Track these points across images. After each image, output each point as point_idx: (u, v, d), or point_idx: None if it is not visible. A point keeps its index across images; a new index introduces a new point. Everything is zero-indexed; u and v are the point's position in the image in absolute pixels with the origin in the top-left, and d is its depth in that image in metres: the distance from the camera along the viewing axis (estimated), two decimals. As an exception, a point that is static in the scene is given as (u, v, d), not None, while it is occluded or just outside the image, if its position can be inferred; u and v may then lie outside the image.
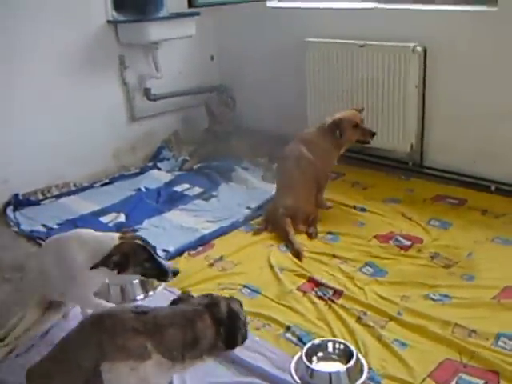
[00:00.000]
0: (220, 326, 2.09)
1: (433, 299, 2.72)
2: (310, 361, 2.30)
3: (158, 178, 4.47)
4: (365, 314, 2.64)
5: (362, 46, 4.11)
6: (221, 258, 3.22)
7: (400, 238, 3.30)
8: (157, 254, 2.45)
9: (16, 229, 3.76)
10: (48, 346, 2.21)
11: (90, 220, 3.77)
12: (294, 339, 2.50)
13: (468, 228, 3.38)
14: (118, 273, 2.38)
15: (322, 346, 2.38)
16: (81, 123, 4.44)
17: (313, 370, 2.25)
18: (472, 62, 3.76)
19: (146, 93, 4.82)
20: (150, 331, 1.98)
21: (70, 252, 2.42)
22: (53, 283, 2.48)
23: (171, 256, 3.22)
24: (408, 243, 3.24)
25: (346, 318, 2.61)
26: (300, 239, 3.35)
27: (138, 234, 2.67)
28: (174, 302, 2.21)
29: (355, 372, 2.23)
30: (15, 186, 4.12)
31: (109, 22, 4.50)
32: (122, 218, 3.78)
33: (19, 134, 4.10)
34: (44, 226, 3.74)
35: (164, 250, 3.26)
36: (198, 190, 4.19)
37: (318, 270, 3.04)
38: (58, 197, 4.23)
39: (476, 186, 3.87)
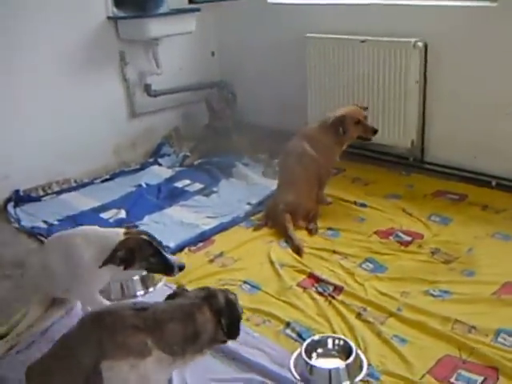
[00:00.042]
0: (220, 317, 2.09)
1: (433, 295, 2.72)
2: (310, 357, 2.30)
3: (159, 173, 4.47)
4: (365, 309, 2.64)
5: (362, 41, 4.10)
6: (221, 254, 3.22)
7: (400, 234, 3.30)
8: (163, 249, 2.44)
9: (17, 225, 3.77)
10: (49, 343, 2.20)
11: (91, 216, 3.78)
12: (294, 335, 2.51)
13: (468, 223, 3.38)
14: (125, 268, 2.38)
15: (322, 343, 2.39)
16: (81, 119, 4.44)
17: (312, 366, 2.25)
18: (473, 57, 3.75)
19: (147, 89, 4.82)
20: (150, 327, 1.98)
21: (76, 249, 2.42)
22: (57, 280, 2.48)
23: (172, 252, 3.20)
24: (408, 239, 3.24)
25: (345, 314, 2.61)
26: (300, 235, 3.36)
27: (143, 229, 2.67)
28: (169, 297, 2.21)
29: (355, 368, 2.24)
30: (16, 182, 4.13)
31: (109, 18, 4.50)
32: (122, 214, 3.79)
33: (20, 131, 4.11)
34: (45, 222, 3.74)
35: (165, 246, 3.25)
36: (198, 185, 4.20)
37: (318, 265, 3.04)
38: (59, 193, 4.23)
39: (476, 182, 3.87)
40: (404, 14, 4.01)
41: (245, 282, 2.93)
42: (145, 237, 2.41)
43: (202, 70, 5.24)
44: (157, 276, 2.97)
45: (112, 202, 4.00)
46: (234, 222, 3.58)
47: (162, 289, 2.89)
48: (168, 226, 3.60)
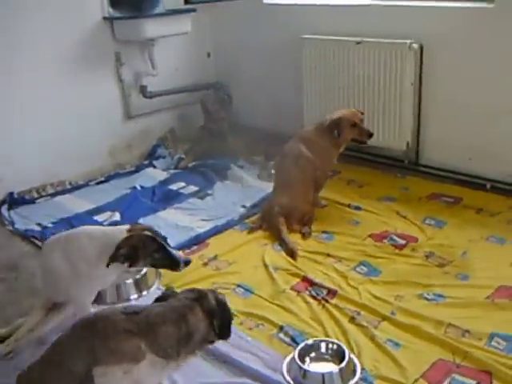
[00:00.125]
0: (212, 318, 2.09)
1: (427, 299, 2.72)
2: (303, 361, 2.30)
3: (154, 176, 4.46)
4: (358, 313, 2.63)
5: (358, 42, 4.10)
6: (215, 257, 3.21)
7: (395, 237, 3.29)
8: (167, 244, 2.42)
9: (10, 228, 3.75)
10: (43, 348, 2.19)
11: (85, 219, 3.75)
12: (287, 339, 2.50)
13: (463, 227, 3.37)
14: (130, 266, 2.36)
15: (315, 347, 2.38)
16: (76, 121, 4.43)
17: (305, 370, 2.25)
18: (468, 59, 3.75)
19: (142, 90, 4.81)
20: (144, 331, 1.97)
21: (79, 247, 2.40)
22: (58, 283, 2.45)
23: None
24: (403, 242, 3.24)
25: (339, 318, 2.60)
26: (294, 238, 3.35)
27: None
28: (158, 299, 2.20)
29: (348, 372, 2.24)
30: (10, 185, 4.11)
31: (105, 18, 4.49)
32: (116, 216, 3.77)
33: (14, 133, 4.10)
34: (39, 224, 3.72)
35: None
36: (193, 188, 4.19)
37: (312, 269, 3.03)
38: (53, 195, 4.22)
39: (471, 185, 3.87)
40: (399, 16, 4.01)
41: (238, 286, 2.93)
42: (148, 233, 2.38)
43: (197, 71, 5.23)
44: (150, 279, 2.96)
45: (106, 204, 3.99)
46: (228, 225, 3.57)
47: (155, 292, 2.88)
48: (162, 228, 3.53)
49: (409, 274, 2.92)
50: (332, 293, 2.80)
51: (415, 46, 3.88)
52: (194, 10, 4.65)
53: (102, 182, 4.45)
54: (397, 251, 3.16)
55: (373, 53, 4.04)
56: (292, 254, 3.18)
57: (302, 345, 2.36)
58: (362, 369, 2.27)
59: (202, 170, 4.45)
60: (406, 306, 2.65)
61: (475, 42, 3.69)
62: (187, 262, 2.45)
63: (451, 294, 2.73)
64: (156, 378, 2.07)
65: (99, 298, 2.71)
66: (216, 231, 3.51)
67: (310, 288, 2.86)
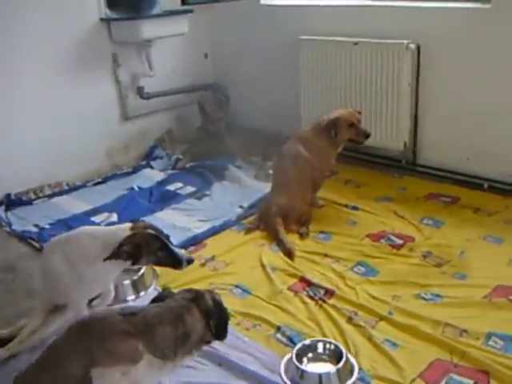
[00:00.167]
0: (209, 318, 2.08)
1: (424, 298, 2.71)
2: (301, 362, 2.29)
3: (151, 177, 4.45)
4: (356, 313, 2.63)
5: (355, 43, 4.10)
6: (212, 258, 3.21)
7: (392, 237, 3.29)
8: (170, 243, 2.40)
9: (8, 229, 3.74)
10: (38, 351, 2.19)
11: (82, 220, 3.74)
12: (285, 340, 2.50)
13: (460, 226, 3.38)
14: (132, 264, 2.34)
15: (312, 347, 2.37)
16: (73, 122, 4.42)
17: (303, 370, 2.24)
18: (465, 59, 3.75)
19: (139, 91, 4.80)
20: (141, 332, 1.97)
21: (80, 247, 2.39)
22: (59, 284, 2.43)
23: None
24: (400, 242, 3.24)
25: (336, 318, 2.60)
26: (292, 238, 3.35)
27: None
28: (155, 300, 2.19)
29: (345, 373, 2.23)
30: (7, 186, 4.10)
31: (102, 19, 4.48)
32: (114, 217, 3.76)
33: (11, 133, 4.09)
34: (36, 225, 3.71)
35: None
36: (190, 188, 4.18)
37: (310, 269, 3.03)
38: (51, 196, 4.21)
39: (469, 184, 3.87)
40: (397, 16, 4.01)
41: (236, 286, 2.92)
42: (151, 231, 2.37)
43: (194, 71, 5.23)
44: (148, 280, 2.96)
45: (104, 205, 3.98)
46: (225, 226, 3.57)
47: (152, 293, 2.87)
48: (160, 229, 3.58)
49: (406, 274, 2.92)
50: (329, 293, 2.79)
51: (412, 46, 3.88)
52: (190, 11, 4.65)
53: (99, 183, 4.44)
54: (394, 251, 3.16)
55: (370, 53, 4.04)
56: (289, 254, 3.17)
57: (299, 345, 2.35)
58: (360, 369, 2.26)
59: (200, 171, 4.44)
60: (403, 305, 2.65)
61: (472, 42, 3.69)
62: (190, 261, 2.44)
63: (449, 293, 2.73)
64: (153, 378, 2.07)
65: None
66: (213, 232, 3.50)
67: (307, 288, 2.86)
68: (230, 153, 4.62)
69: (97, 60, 4.56)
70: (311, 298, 2.78)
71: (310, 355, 2.35)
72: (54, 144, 4.30)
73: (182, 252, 2.48)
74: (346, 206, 3.73)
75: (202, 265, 3.14)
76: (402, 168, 4.22)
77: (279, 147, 3.73)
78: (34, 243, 3.49)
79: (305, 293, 2.82)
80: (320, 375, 2.22)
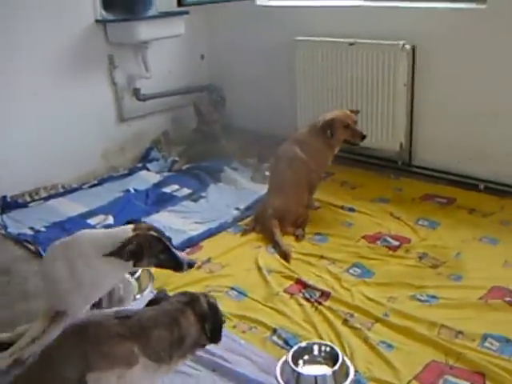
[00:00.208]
0: (204, 322, 2.08)
1: (420, 300, 2.72)
2: (296, 364, 2.28)
3: (147, 179, 4.44)
4: (351, 315, 2.63)
5: (351, 44, 4.10)
6: (208, 260, 3.20)
7: (388, 239, 3.29)
8: (172, 246, 2.40)
9: (3, 232, 3.72)
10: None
11: (78, 222, 3.73)
12: (281, 342, 2.49)
13: (456, 227, 3.38)
14: (134, 265, 2.32)
15: (308, 349, 2.36)
16: (69, 124, 4.41)
17: (299, 373, 2.23)
18: (461, 59, 3.75)
19: (136, 93, 4.80)
20: (136, 335, 1.96)
21: (81, 250, 2.36)
22: (60, 289, 2.39)
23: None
24: (396, 243, 3.24)
25: (332, 320, 2.60)
26: (288, 240, 3.34)
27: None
28: (150, 303, 2.19)
29: (341, 375, 2.21)
30: (3, 188, 4.08)
31: (97, 21, 4.47)
32: (110, 219, 3.76)
33: (7, 135, 4.08)
34: (31, 228, 3.70)
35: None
36: (186, 191, 4.17)
37: (306, 271, 3.03)
38: (46, 199, 4.19)
39: (464, 185, 3.87)
40: (392, 17, 4.02)
41: (232, 289, 2.92)
42: (154, 233, 2.36)
43: (191, 73, 5.22)
44: (143, 283, 2.95)
45: (100, 207, 3.97)
46: (221, 228, 3.56)
47: (148, 295, 2.85)
48: (156, 231, 3.57)
49: (402, 276, 2.92)
50: (325, 295, 2.79)
51: (408, 47, 3.89)
52: (187, 13, 4.64)
53: (95, 185, 4.43)
54: (390, 252, 3.16)
55: (366, 54, 4.04)
56: (285, 256, 3.17)
57: (295, 347, 2.34)
58: (355, 371, 2.25)
59: (196, 173, 4.44)
60: (399, 307, 2.65)
61: (467, 42, 3.69)
62: (191, 264, 2.43)
63: (444, 295, 2.73)
64: (148, 381, 2.06)
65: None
66: (209, 234, 3.50)
67: (303, 290, 2.85)
68: (226, 155, 4.62)
69: (93, 62, 4.55)
70: (307, 300, 2.77)
71: (305, 357, 2.33)
72: (50, 146, 4.29)
73: (183, 255, 2.47)
74: (342, 207, 3.73)
75: (198, 267, 3.12)
76: (397, 169, 4.22)
77: (275, 149, 3.73)
78: (29, 246, 3.47)
79: (301, 295, 2.82)
80: (316, 377, 2.20)
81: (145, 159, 4.83)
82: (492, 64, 3.62)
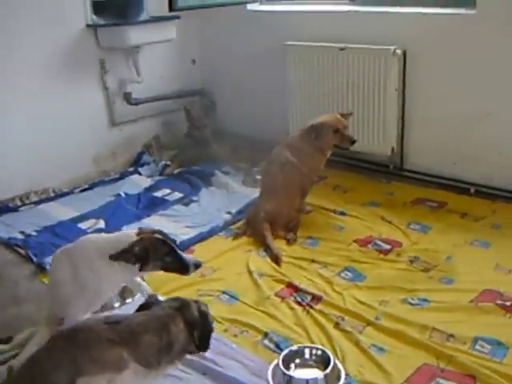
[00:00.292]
0: (193, 329, 2.07)
1: (411, 303, 2.72)
2: (288, 368, 2.29)
3: (138, 183, 4.43)
4: (343, 319, 2.63)
5: (342, 49, 4.11)
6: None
7: (379, 242, 3.30)
8: (178, 248, 2.39)
9: (-6, 236, 3.71)
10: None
11: (69, 226, 3.73)
12: (272, 346, 2.49)
13: (447, 231, 3.39)
14: (140, 269, 2.31)
15: (300, 353, 2.37)
16: (61, 128, 4.40)
17: (290, 376, 2.23)
18: (451, 64, 3.77)
19: (127, 97, 4.79)
20: (125, 340, 1.96)
21: (85, 255, 2.35)
22: (62, 294, 2.39)
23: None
24: (387, 247, 3.24)
25: (324, 324, 2.60)
26: (279, 244, 3.34)
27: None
28: (141, 308, 2.18)
29: (333, 378, 2.22)
30: (-7, 193, 4.07)
31: (88, 26, 4.47)
32: (101, 224, 3.74)
33: (-3, 140, 4.07)
34: (22, 232, 3.67)
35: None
36: (178, 195, 4.16)
37: (297, 275, 3.03)
38: (37, 203, 4.17)
39: (456, 189, 3.89)
40: (383, 22, 4.03)
41: (223, 293, 2.91)
42: (159, 236, 2.35)
43: (182, 77, 5.22)
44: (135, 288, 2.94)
45: (91, 211, 3.95)
46: (213, 232, 3.56)
47: (139, 300, 2.84)
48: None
49: (393, 279, 2.92)
50: (317, 298, 2.79)
51: (399, 51, 3.90)
52: (178, 17, 4.64)
53: (86, 190, 4.41)
54: (381, 256, 3.17)
55: (357, 59, 4.05)
56: (276, 259, 3.17)
57: (286, 351, 2.34)
58: (347, 374, 2.25)
59: (187, 177, 4.43)
60: (390, 310, 2.65)
61: (458, 47, 3.71)
62: (198, 265, 2.43)
63: (435, 298, 2.73)
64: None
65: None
66: (201, 238, 3.49)
67: (294, 294, 2.85)
68: (218, 159, 4.62)
69: (84, 66, 4.54)
70: (298, 303, 2.77)
71: (297, 361, 2.34)
72: (41, 150, 4.28)
73: (189, 257, 2.46)
74: (334, 211, 3.73)
75: (189, 272, 3.12)
76: (389, 173, 4.23)
77: (266, 153, 3.73)
78: (19, 250, 3.45)
79: (292, 298, 2.82)
80: (307, 381, 2.22)
81: (136, 163, 4.82)
82: (482, 68, 3.64)
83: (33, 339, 2.44)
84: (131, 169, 4.74)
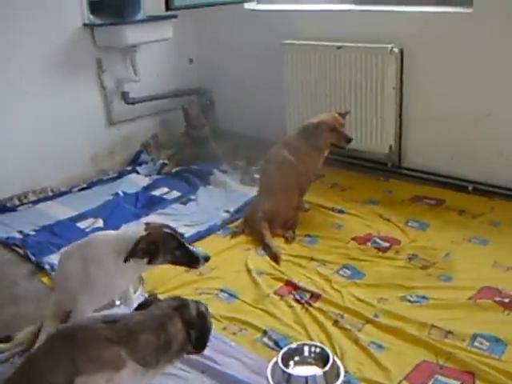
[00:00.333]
0: (191, 329, 2.07)
1: (410, 301, 2.72)
2: (287, 365, 2.28)
3: (136, 182, 4.43)
4: (342, 316, 2.63)
5: (339, 47, 4.10)
6: (198, 263, 3.19)
7: (378, 240, 3.30)
8: (186, 241, 2.40)
9: (-9, 236, 3.71)
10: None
11: (67, 226, 3.73)
12: (271, 343, 2.49)
13: (445, 228, 3.39)
14: (149, 262, 2.32)
15: (299, 350, 2.36)
16: (58, 127, 4.40)
17: (289, 374, 2.23)
18: (448, 62, 3.77)
19: (124, 96, 4.79)
20: (123, 339, 1.95)
21: (95, 250, 2.38)
22: (72, 290, 2.40)
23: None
24: (386, 245, 3.25)
25: (323, 322, 2.60)
26: (278, 242, 3.35)
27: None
28: (140, 306, 2.18)
29: (332, 376, 2.22)
30: (-9, 192, 4.07)
31: (85, 25, 4.46)
32: (99, 223, 3.74)
33: (-5, 139, 4.06)
34: (20, 232, 3.67)
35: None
36: (176, 193, 4.17)
37: (296, 273, 3.03)
38: (35, 202, 4.17)
39: (454, 187, 3.89)
40: (380, 20, 4.03)
41: (222, 291, 2.91)
42: (167, 230, 2.37)
43: (179, 77, 5.22)
44: (134, 285, 2.94)
45: (89, 211, 3.95)
46: (211, 230, 3.56)
47: (138, 298, 2.84)
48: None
49: (392, 277, 2.93)
50: (315, 296, 2.79)
51: (396, 50, 3.90)
52: (175, 17, 4.64)
53: (84, 189, 4.41)
54: (380, 254, 3.17)
55: (354, 57, 4.05)
56: (275, 258, 3.17)
57: (285, 349, 2.34)
58: (346, 372, 2.25)
59: (185, 176, 4.43)
60: (389, 308, 2.66)
61: (455, 45, 3.72)
62: (207, 259, 2.44)
63: (434, 295, 2.74)
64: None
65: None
66: (199, 236, 3.49)
67: (293, 292, 2.85)
68: (216, 158, 4.62)
69: (81, 65, 4.54)
70: (297, 301, 2.77)
71: (296, 359, 2.34)
72: (39, 150, 4.28)
73: (198, 250, 2.48)
74: (332, 209, 3.74)
75: (188, 270, 3.10)
76: (387, 171, 4.24)
77: (264, 152, 3.73)
78: (18, 250, 3.46)
79: (291, 296, 2.82)
80: (306, 378, 2.21)
81: (134, 162, 4.82)
82: (479, 67, 3.64)
83: (41, 332, 2.45)
84: (129, 168, 4.74)
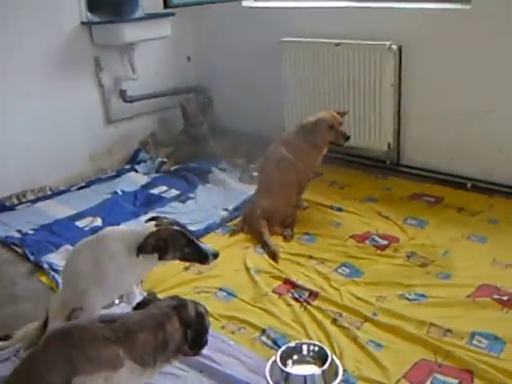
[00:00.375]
0: (188, 329, 2.07)
1: (408, 299, 2.72)
2: (285, 364, 2.28)
3: (135, 180, 4.43)
4: (340, 315, 2.63)
5: (337, 44, 4.10)
6: (197, 261, 3.19)
7: (376, 238, 3.30)
8: (195, 238, 2.41)
9: (-10, 235, 3.70)
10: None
11: (66, 224, 3.73)
12: (270, 342, 2.49)
13: (444, 226, 3.39)
14: (159, 258, 2.34)
15: (297, 349, 2.35)
16: (57, 126, 4.40)
17: (288, 373, 2.22)
18: (446, 59, 3.77)
19: (122, 94, 4.78)
20: (121, 338, 1.95)
21: (105, 246, 2.39)
22: (79, 283, 2.40)
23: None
24: (385, 243, 3.24)
25: (321, 320, 2.60)
26: (277, 240, 3.34)
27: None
28: (139, 305, 2.18)
29: (330, 374, 2.21)
30: (-10, 192, 4.07)
31: (83, 23, 4.45)
32: (98, 221, 3.74)
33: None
34: (19, 231, 3.67)
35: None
36: (174, 192, 4.16)
37: (294, 271, 3.03)
38: (34, 201, 4.17)
39: (452, 184, 3.89)
40: (378, 17, 4.03)
41: (220, 289, 2.91)
42: (177, 227, 2.38)
43: (177, 74, 5.21)
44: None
45: (88, 209, 3.94)
46: (209, 229, 3.56)
47: (137, 297, 2.85)
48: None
49: (391, 275, 2.92)
50: (314, 295, 2.79)
51: (394, 47, 3.89)
52: (173, 14, 4.63)
53: (83, 188, 4.41)
54: (379, 252, 3.17)
55: (352, 55, 4.04)
56: (274, 256, 3.17)
57: (283, 347, 2.33)
58: (344, 370, 2.25)
59: (184, 174, 4.43)
60: (387, 306, 2.66)
61: (453, 42, 3.71)
62: (216, 255, 2.45)
63: (433, 293, 2.74)
64: (134, 384, 2.05)
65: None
66: (198, 235, 3.46)
67: (292, 290, 2.85)
68: (214, 155, 4.62)
69: (79, 64, 4.53)
70: (296, 300, 2.77)
71: (294, 357, 2.33)
72: (37, 149, 4.28)
73: (207, 246, 2.49)
74: (331, 207, 3.73)
75: (186, 268, 3.11)
76: (386, 168, 4.23)
77: (263, 149, 3.73)
78: (16, 249, 3.46)
79: (289, 295, 2.82)
80: (305, 377, 2.20)
81: (132, 161, 4.82)
82: (477, 63, 3.64)
83: (48, 328, 2.43)
84: (128, 166, 4.73)
